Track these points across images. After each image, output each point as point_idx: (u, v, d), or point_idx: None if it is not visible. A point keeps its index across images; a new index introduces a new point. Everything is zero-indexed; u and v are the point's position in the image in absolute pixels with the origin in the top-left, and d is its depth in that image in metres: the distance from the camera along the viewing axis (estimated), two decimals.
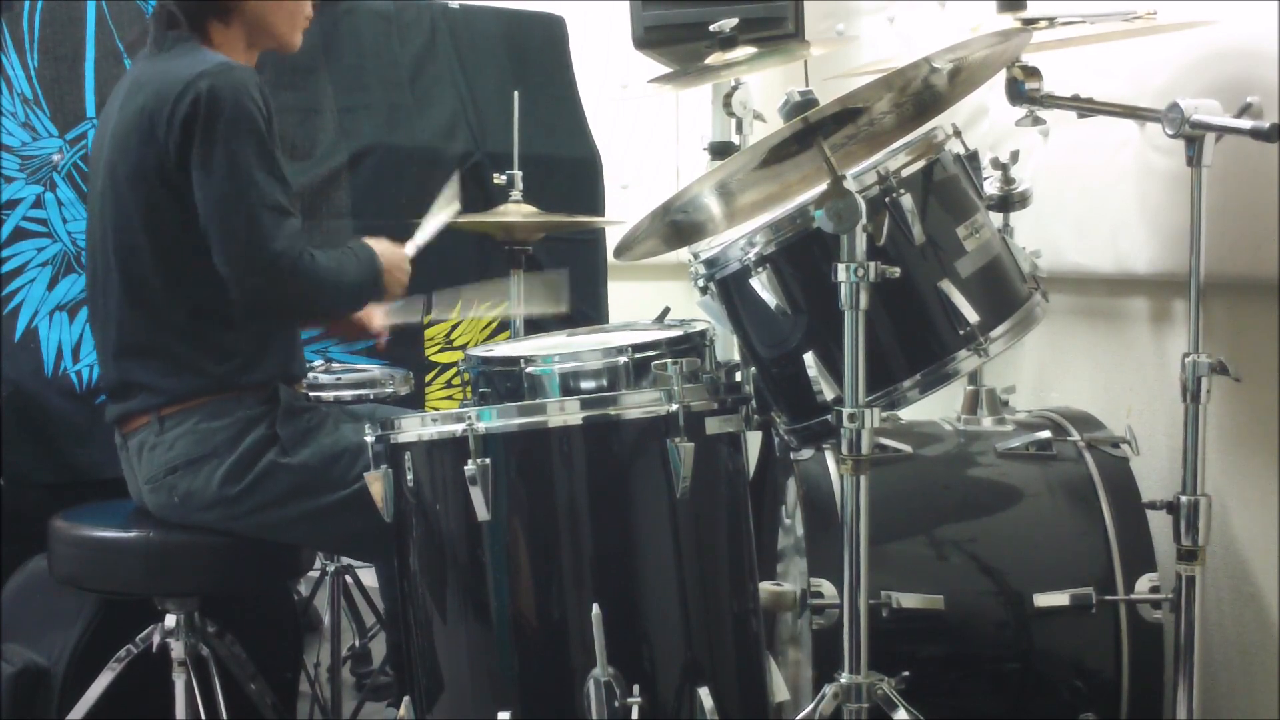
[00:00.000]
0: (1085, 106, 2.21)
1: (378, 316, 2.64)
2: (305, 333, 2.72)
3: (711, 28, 2.73)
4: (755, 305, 2.13)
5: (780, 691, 2.14)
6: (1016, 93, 2.22)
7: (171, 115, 2.23)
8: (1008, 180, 2.49)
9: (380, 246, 2.46)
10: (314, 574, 3.29)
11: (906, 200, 2.02)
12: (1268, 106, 2.17)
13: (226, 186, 2.22)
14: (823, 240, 2.00)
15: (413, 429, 2.05)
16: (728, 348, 2.73)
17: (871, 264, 1.90)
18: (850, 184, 1.93)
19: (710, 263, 2.20)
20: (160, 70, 2.30)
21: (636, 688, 1.93)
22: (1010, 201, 2.49)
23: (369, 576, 3.07)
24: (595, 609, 1.91)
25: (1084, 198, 2.66)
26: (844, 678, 1.98)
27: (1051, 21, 2.17)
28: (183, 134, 2.22)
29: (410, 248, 2.58)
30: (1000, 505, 2.38)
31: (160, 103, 2.24)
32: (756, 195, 2.25)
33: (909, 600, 2.22)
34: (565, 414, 1.99)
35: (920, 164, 2.08)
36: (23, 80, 2.89)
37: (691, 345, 2.19)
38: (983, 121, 2.82)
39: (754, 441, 2.83)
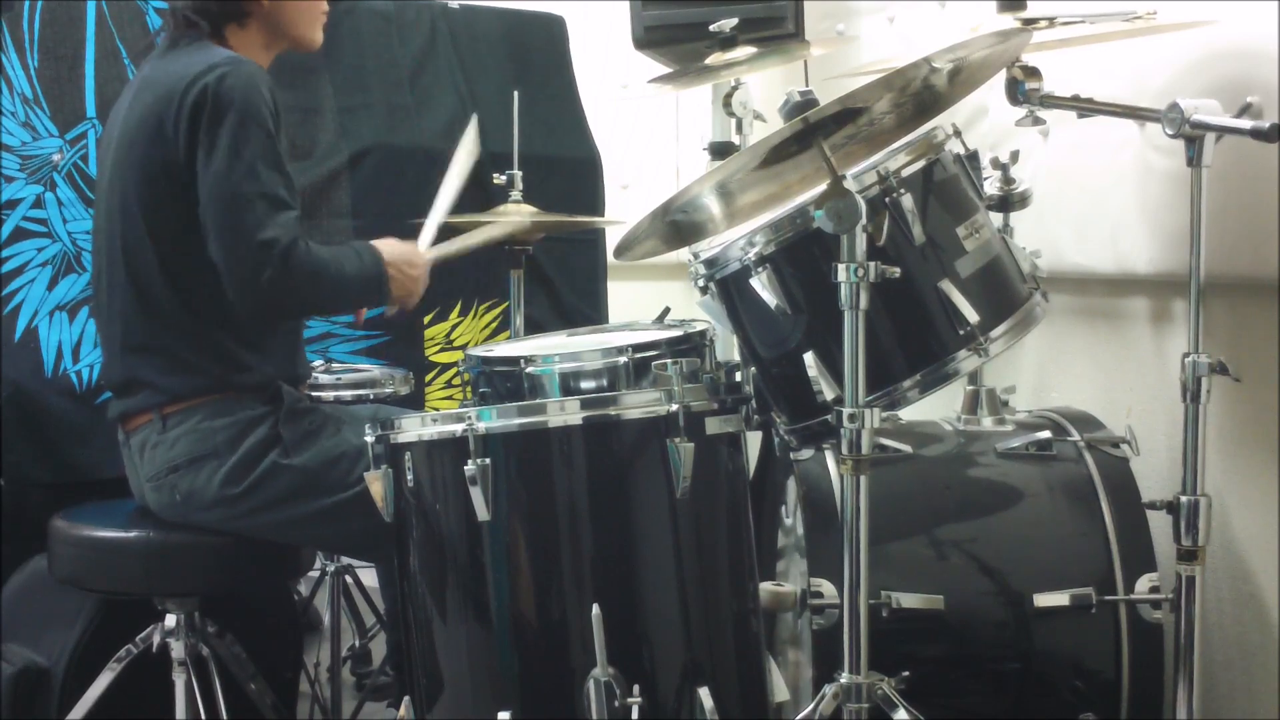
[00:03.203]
0: (1085, 106, 2.21)
1: None
2: (305, 333, 2.71)
3: (711, 28, 2.73)
4: (755, 305, 2.13)
5: (780, 691, 2.14)
6: (1016, 93, 2.22)
7: (180, 107, 2.23)
8: (1008, 180, 2.49)
9: (388, 246, 2.41)
10: (314, 574, 3.29)
11: (906, 200, 2.02)
12: (1268, 106, 2.18)
13: (226, 173, 2.21)
14: (823, 240, 1.99)
15: (413, 429, 2.05)
16: (728, 348, 2.73)
17: (871, 264, 1.90)
18: (850, 184, 1.93)
19: (710, 263, 2.20)
20: (170, 68, 2.30)
21: (636, 688, 1.92)
22: (1010, 201, 2.49)
23: (369, 576, 3.07)
24: (595, 609, 1.91)
25: (1084, 198, 2.66)
26: (844, 678, 1.98)
27: (1051, 21, 2.18)
28: (190, 123, 2.22)
29: (424, 240, 2.53)
30: (1000, 505, 2.38)
31: (169, 97, 2.24)
32: (756, 195, 2.25)
33: (909, 600, 2.22)
34: (565, 414, 1.99)
35: (920, 164, 2.08)
36: (23, 80, 2.88)
37: (691, 345, 2.19)
38: (983, 121, 2.82)
39: (754, 441, 2.83)
